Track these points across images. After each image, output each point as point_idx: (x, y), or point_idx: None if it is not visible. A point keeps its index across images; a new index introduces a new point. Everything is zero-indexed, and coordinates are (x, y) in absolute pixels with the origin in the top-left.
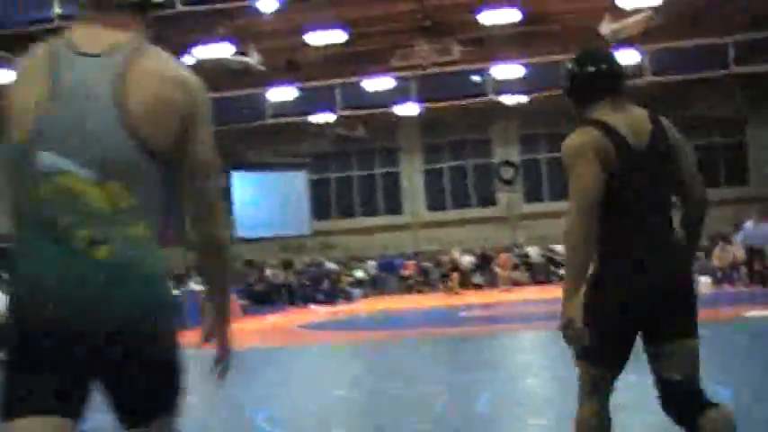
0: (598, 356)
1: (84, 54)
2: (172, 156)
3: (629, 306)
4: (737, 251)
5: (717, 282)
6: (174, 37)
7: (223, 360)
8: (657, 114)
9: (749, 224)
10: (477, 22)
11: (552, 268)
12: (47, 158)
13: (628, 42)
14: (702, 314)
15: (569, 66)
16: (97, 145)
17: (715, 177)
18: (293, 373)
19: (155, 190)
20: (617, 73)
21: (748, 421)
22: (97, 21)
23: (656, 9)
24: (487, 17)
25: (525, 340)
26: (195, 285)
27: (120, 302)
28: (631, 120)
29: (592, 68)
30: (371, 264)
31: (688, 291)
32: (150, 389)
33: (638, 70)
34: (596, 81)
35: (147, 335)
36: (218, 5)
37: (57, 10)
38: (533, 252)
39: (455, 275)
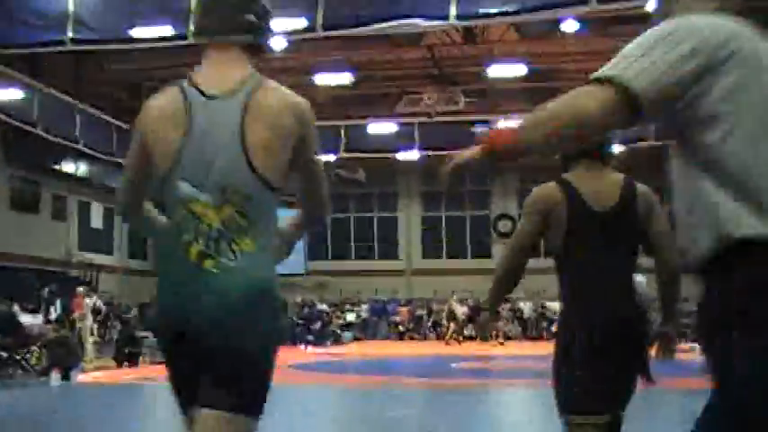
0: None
1: (211, 97)
2: (283, 180)
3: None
4: None
5: None
6: (185, 67)
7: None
8: (633, 180)
9: None
10: (483, 74)
11: (545, 324)
12: (183, 188)
13: None
14: (701, 383)
15: None
16: (221, 175)
17: None
18: (278, 412)
19: (265, 211)
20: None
21: None
22: (219, 61)
23: None
24: (495, 70)
25: (516, 396)
26: None
27: (217, 304)
28: (601, 183)
29: None
30: (364, 307)
31: (634, 344)
32: (233, 375)
33: (641, 134)
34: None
35: (234, 332)
36: None
37: (70, 34)
38: (526, 307)
39: (452, 325)
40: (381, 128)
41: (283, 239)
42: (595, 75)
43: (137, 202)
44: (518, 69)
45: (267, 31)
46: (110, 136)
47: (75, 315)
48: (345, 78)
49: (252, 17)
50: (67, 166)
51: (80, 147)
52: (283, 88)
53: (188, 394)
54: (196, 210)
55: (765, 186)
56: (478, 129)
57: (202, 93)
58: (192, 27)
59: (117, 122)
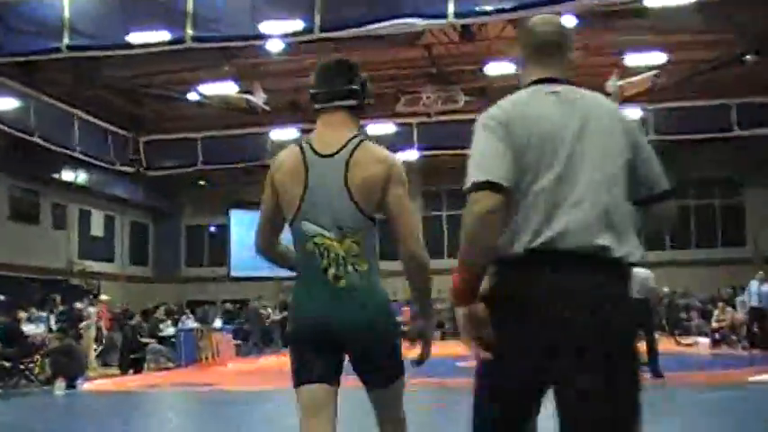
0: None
1: (323, 156)
2: (376, 214)
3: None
4: (736, 313)
5: (715, 343)
6: (183, 72)
7: (425, 358)
8: None
9: (755, 285)
10: (482, 73)
11: None
12: (308, 226)
13: (633, 100)
14: (710, 378)
15: None
16: (336, 215)
17: (713, 238)
18: (268, 417)
19: (370, 239)
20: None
21: None
22: (329, 123)
23: (661, 69)
24: (493, 68)
25: None
26: (190, 323)
27: (351, 311)
28: None
29: None
30: None
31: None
32: (382, 365)
33: (642, 128)
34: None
35: (367, 330)
36: (226, 44)
37: (66, 41)
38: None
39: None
40: (380, 128)
41: (423, 337)
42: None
43: (273, 239)
44: (515, 67)
45: (367, 96)
46: (108, 143)
47: (82, 324)
48: None
49: (354, 86)
50: (66, 175)
51: (78, 155)
52: (377, 146)
53: (309, 374)
54: (324, 242)
55: None
56: None
57: (316, 152)
58: (311, 92)
59: (115, 129)
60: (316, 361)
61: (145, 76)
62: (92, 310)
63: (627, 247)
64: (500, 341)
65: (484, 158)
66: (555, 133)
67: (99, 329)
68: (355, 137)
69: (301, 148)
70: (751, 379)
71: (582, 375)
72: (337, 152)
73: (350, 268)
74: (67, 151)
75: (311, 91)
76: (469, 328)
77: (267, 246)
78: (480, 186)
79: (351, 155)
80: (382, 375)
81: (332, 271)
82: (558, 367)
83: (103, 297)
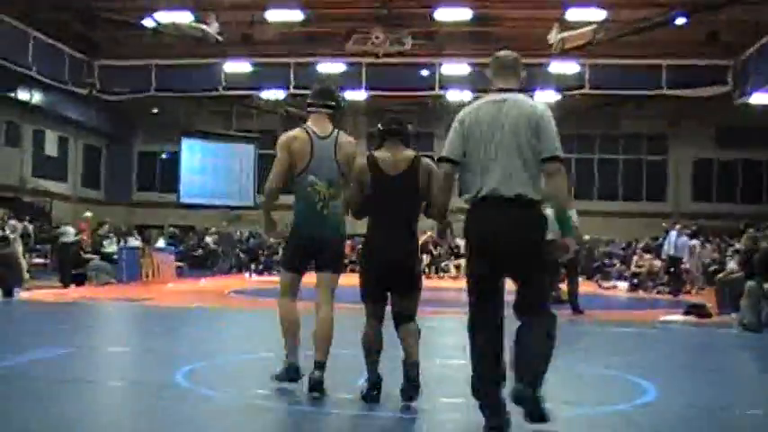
0: (364, 295)
1: (321, 137)
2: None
3: (371, 271)
4: (654, 260)
5: (633, 288)
6: (140, 0)
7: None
8: (419, 156)
9: (673, 235)
10: (431, 17)
11: None
12: (311, 178)
13: (572, 53)
14: (624, 316)
15: (379, 125)
16: (328, 173)
17: (638, 192)
18: (218, 333)
19: (341, 188)
20: (395, 129)
21: (670, 412)
22: (320, 119)
23: (599, 25)
24: (442, 14)
25: (454, 323)
26: (132, 242)
27: (330, 228)
28: (395, 157)
29: (381, 126)
30: None
31: (409, 271)
32: (339, 258)
33: (578, 82)
34: (382, 132)
35: (339, 238)
36: None
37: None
38: (462, 244)
39: (424, 257)
40: (330, 67)
41: None
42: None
43: (281, 184)
44: (464, 13)
45: (340, 108)
46: (63, 65)
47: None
48: (297, 15)
49: (333, 102)
50: (22, 94)
51: (34, 74)
52: (348, 135)
53: (301, 265)
54: (318, 188)
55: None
56: (424, 72)
57: (317, 134)
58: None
59: (71, 51)
60: (301, 260)
61: (104, 0)
62: (15, 223)
63: (530, 193)
64: (470, 250)
65: (448, 143)
66: (489, 128)
67: (80, 245)
68: (335, 129)
69: (307, 131)
70: (661, 318)
71: (516, 264)
72: (328, 136)
73: (330, 204)
74: (23, 70)
75: (309, 101)
76: (445, 236)
77: (278, 187)
78: (441, 159)
79: (337, 139)
80: (337, 264)
81: (320, 204)
82: (504, 262)
83: (87, 214)
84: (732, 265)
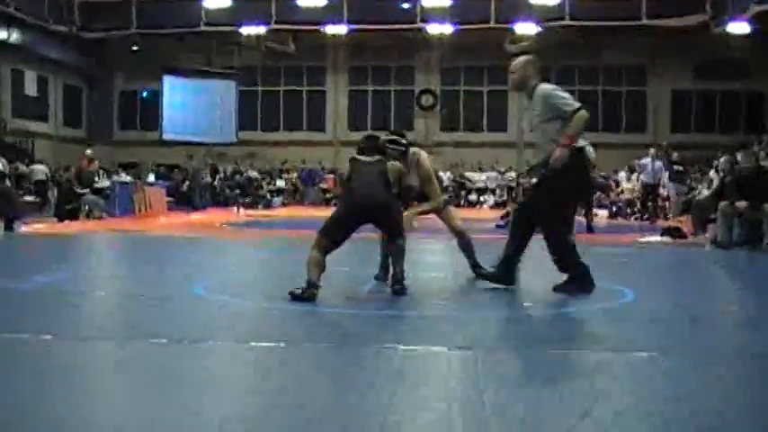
0: (330, 233)
1: (366, 163)
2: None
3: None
4: (632, 190)
5: (612, 215)
6: None
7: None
8: (383, 160)
9: (648, 162)
10: None
11: (462, 193)
12: None
13: None
14: (606, 239)
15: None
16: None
17: (617, 124)
18: (224, 257)
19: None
20: (370, 145)
21: (648, 316)
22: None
23: None
24: None
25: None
26: (123, 177)
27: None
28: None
29: (360, 143)
30: (294, 175)
31: (386, 211)
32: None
33: (558, 14)
34: (361, 148)
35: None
36: None
37: None
38: (445, 177)
39: None
40: (311, 0)
41: None
42: (575, 107)
43: None
44: None
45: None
46: (43, 2)
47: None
48: None
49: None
50: None
51: (12, 11)
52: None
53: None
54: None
55: None
56: (405, 5)
57: (363, 159)
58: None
59: None
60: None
61: None
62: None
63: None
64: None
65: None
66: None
67: (73, 181)
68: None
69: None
70: (640, 240)
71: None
72: (377, 161)
73: None
74: (1, 7)
75: (359, 146)
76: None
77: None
78: (582, 108)
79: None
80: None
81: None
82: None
83: (88, 152)
84: (705, 191)
